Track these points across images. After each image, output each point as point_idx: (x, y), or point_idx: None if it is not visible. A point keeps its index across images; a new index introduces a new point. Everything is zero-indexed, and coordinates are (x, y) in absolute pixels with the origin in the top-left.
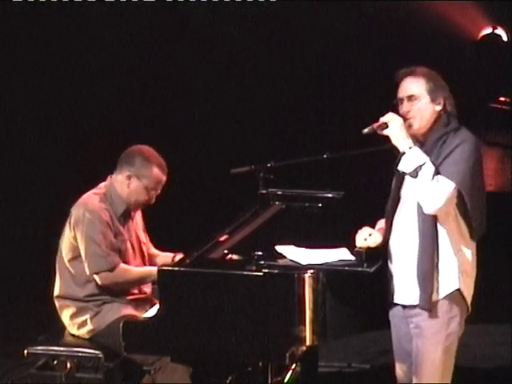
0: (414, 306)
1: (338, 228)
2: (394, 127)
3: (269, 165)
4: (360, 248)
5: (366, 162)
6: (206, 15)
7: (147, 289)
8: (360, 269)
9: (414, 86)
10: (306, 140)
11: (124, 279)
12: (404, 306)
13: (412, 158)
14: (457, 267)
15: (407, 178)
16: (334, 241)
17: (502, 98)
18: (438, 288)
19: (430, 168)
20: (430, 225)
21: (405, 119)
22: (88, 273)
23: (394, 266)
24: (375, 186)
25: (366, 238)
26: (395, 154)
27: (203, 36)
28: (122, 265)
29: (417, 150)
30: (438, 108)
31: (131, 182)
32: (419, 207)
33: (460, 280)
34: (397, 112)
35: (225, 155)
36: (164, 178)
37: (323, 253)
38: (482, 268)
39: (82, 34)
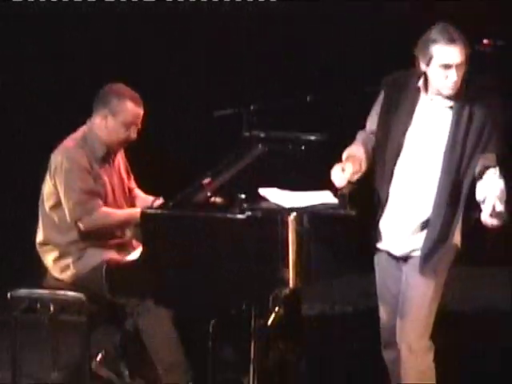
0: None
1: (322, 170)
2: None
3: (252, 107)
4: (343, 188)
5: (349, 103)
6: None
7: (128, 233)
8: (343, 211)
9: (464, 54)
10: (290, 82)
11: (106, 222)
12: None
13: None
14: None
15: (412, 131)
16: (318, 183)
17: (485, 41)
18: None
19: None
20: (454, 189)
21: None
22: (69, 220)
23: (393, 217)
24: (358, 129)
25: (341, 175)
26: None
27: None
28: (104, 208)
29: None
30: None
31: (108, 121)
32: (448, 166)
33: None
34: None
35: (208, 97)
36: (140, 111)
37: (306, 196)
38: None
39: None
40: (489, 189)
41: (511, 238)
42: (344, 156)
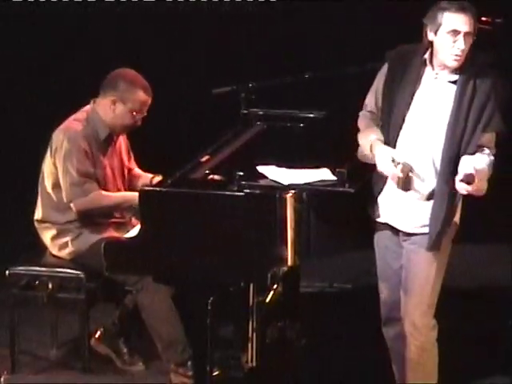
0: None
1: (320, 148)
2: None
3: (250, 85)
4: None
5: (348, 81)
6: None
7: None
8: (342, 189)
9: (472, 24)
10: (289, 59)
11: (100, 205)
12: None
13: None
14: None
15: (416, 105)
16: (316, 161)
17: (483, 18)
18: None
19: (490, 167)
20: (456, 164)
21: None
22: (65, 200)
23: (394, 191)
24: (358, 106)
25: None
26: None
27: None
28: (100, 191)
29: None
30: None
31: (116, 106)
32: (451, 141)
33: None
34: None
35: (206, 75)
36: (149, 100)
37: (305, 173)
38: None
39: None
40: (468, 160)
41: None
42: (370, 143)
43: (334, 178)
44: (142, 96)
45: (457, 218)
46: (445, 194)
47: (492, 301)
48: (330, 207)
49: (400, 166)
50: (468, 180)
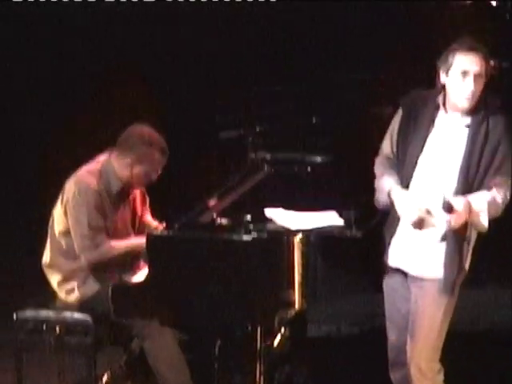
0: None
1: (327, 192)
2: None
3: (258, 129)
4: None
5: (355, 125)
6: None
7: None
8: (349, 232)
9: (483, 65)
10: (296, 104)
11: (111, 256)
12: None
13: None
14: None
15: (429, 147)
16: (323, 204)
17: (490, 63)
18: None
19: (494, 204)
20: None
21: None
22: (77, 252)
23: (406, 235)
24: (364, 150)
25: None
26: (384, 118)
27: None
28: (109, 242)
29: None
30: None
31: (133, 168)
32: (463, 184)
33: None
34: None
35: (214, 119)
36: (166, 158)
37: (312, 216)
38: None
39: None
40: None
41: None
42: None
43: (341, 221)
44: (159, 157)
45: (467, 264)
46: (458, 235)
47: (498, 344)
48: (336, 251)
49: (422, 210)
50: (446, 207)
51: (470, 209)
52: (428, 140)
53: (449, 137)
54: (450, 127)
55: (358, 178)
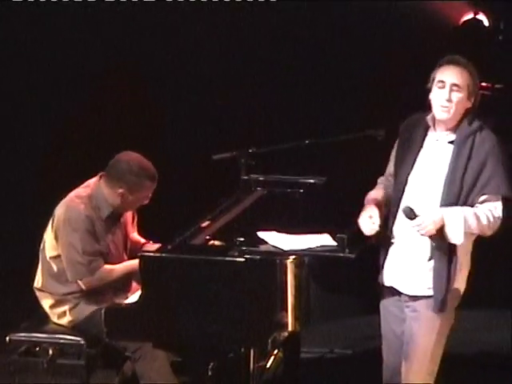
0: (416, 296)
1: (320, 214)
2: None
3: (250, 150)
4: (365, 235)
5: (347, 147)
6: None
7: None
8: (342, 254)
9: (461, 77)
10: (288, 126)
11: (107, 279)
12: (401, 292)
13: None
14: (462, 264)
15: (418, 165)
16: (316, 226)
17: (483, 84)
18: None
19: (473, 218)
20: None
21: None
22: (70, 279)
23: (397, 253)
24: (356, 172)
25: (370, 224)
26: (378, 140)
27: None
28: (105, 266)
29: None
30: (469, 105)
31: (124, 197)
32: (446, 201)
33: (462, 277)
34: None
35: (206, 141)
36: (155, 185)
37: (305, 238)
38: (481, 255)
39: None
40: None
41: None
42: (366, 201)
43: (335, 243)
44: (149, 184)
45: (461, 286)
46: (442, 252)
47: (493, 366)
48: (330, 273)
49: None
50: (406, 214)
51: (442, 220)
52: (418, 158)
53: (435, 154)
54: (437, 144)
55: (351, 199)
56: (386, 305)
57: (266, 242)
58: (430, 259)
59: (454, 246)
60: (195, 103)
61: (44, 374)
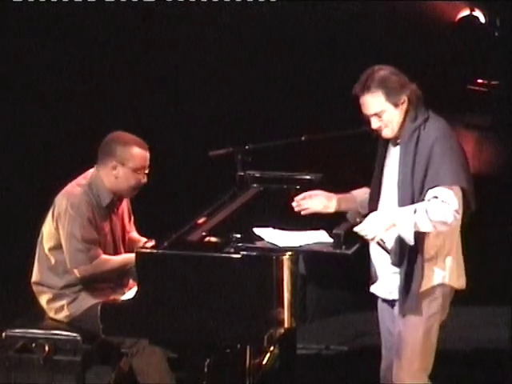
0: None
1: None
2: (373, 229)
3: (247, 147)
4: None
5: (343, 143)
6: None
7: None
8: (338, 251)
9: (375, 103)
10: (284, 122)
11: (103, 270)
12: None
13: (405, 222)
14: (443, 259)
15: (388, 164)
16: (312, 223)
17: (479, 80)
18: (421, 284)
19: (422, 209)
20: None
21: (377, 132)
22: (69, 266)
23: (373, 258)
24: (353, 168)
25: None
26: (373, 137)
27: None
28: (103, 256)
29: (398, 217)
30: (404, 107)
31: (117, 170)
32: (401, 199)
33: (444, 272)
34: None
35: (202, 138)
36: (147, 154)
37: (301, 235)
38: (476, 251)
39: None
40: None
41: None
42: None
43: (331, 240)
44: (139, 151)
45: (445, 280)
46: (401, 254)
47: (490, 363)
48: (326, 269)
49: None
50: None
51: (390, 222)
52: (384, 168)
53: (392, 159)
54: (394, 150)
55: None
56: (380, 304)
57: (262, 239)
58: (392, 263)
59: (417, 245)
60: (191, 99)
61: (40, 370)
